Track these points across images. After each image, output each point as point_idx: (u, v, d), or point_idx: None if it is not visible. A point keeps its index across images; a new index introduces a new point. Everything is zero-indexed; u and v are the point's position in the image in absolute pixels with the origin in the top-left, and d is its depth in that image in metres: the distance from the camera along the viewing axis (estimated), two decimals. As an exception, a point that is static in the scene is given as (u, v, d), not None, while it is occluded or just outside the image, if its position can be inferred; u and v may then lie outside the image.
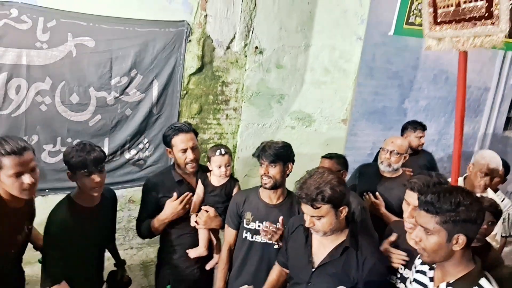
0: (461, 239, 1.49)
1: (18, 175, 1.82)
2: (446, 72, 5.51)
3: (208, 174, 2.56)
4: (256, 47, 3.45)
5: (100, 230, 2.28)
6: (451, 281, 1.56)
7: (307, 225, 1.84)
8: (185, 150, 2.38)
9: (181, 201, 2.41)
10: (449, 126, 5.96)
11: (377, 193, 2.86)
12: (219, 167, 2.45)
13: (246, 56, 3.46)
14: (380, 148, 2.98)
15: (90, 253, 2.25)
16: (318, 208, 1.76)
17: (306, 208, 1.80)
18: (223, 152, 2.44)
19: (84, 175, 2.05)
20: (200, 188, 2.53)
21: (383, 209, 2.81)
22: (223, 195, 2.53)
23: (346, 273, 1.84)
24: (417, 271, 1.79)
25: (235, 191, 2.56)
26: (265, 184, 2.29)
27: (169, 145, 2.44)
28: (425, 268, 1.72)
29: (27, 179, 1.84)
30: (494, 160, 2.90)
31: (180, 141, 2.38)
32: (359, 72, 3.99)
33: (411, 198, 1.94)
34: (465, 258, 1.55)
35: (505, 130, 7.02)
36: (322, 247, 1.91)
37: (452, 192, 1.51)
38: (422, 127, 3.73)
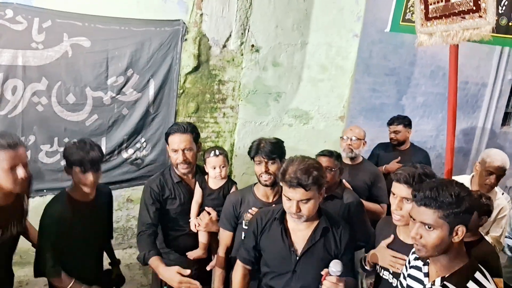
0: (461, 230, 1.49)
1: (12, 168, 1.84)
2: (443, 68, 5.52)
3: (206, 177, 2.55)
4: (252, 45, 3.45)
5: (96, 224, 2.28)
6: (446, 276, 1.56)
7: (293, 211, 1.84)
8: (176, 151, 2.37)
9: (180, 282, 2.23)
10: (446, 122, 5.96)
11: (343, 180, 2.93)
12: (214, 168, 2.46)
13: (242, 55, 3.46)
14: (340, 138, 3.19)
15: (86, 248, 2.25)
16: (309, 190, 1.80)
17: (295, 193, 1.81)
18: (217, 153, 2.45)
19: (79, 172, 2.08)
20: (198, 192, 2.52)
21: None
22: (221, 198, 2.51)
23: (328, 253, 1.91)
24: (411, 267, 1.79)
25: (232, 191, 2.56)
26: (266, 181, 2.28)
27: (166, 142, 2.45)
28: (419, 263, 1.72)
29: (21, 172, 1.87)
30: (499, 158, 2.87)
31: (173, 141, 2.38)
32: (356, 69, 3.99)
33: (397, 189, 1.95)
34: (459, 252, 1.56)
35: (503, 126, 7.03)
36: (300, 235, 1.94)
37: (447, 184, 1.51)
38: (398, 121, 3.82)
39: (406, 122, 3.85)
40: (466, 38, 2.02)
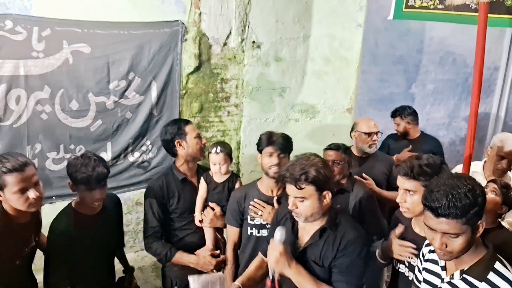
0: (482, 225, 1.46)
1: (22, 191, 1.85)
2: (453, 54, 5.39)
3: (210, 172, 2.57)
4: (253, 42, 3.41)
5: (104, 237, 2.28)
6: (465, 268, 1.51)
7: (290, 207, 1.81)
8: (199, 136, 2.52)
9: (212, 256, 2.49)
10: (459, 108, 5.84)
11: (363, 174, 3.02)
12: (214, 164, 2.50)
13: (243, 51, 3.42)
14: (356, 132, 3.18)
15: (96, 260, 2.26)
16: (301, 188, 1.74)
17: (290, 189, 1.79)
18: (218, 150, 2.48)
19: (85, 189, 2.09)
20: (203, 187, 2.54)
21: (375, 187, 3.00)
22: (226, 191, 2.55)
23: (325, 256, 1.81)
24: (426, 260, 1.74)
25: (237, 186, 2.56)
26: (275, 173, 2.27)
27: (181, 136, 2.47)
28: (436, 256, 1.65)
29: (32, 194, 1.88)
30: (510, 142, 2.80)
31: (192, 128, 2.53)
32: (362, 60, 3.92)
33: (399, 182, 1.95)
34: (477, 243, 1.51)
35: (518, 110, 6.84)
36: (305, 233, 1.89)
37: (459, 185, 1.42)
38: (396, 113, 3.91)
39: (403, 113, 3.86)
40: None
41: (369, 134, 3.11)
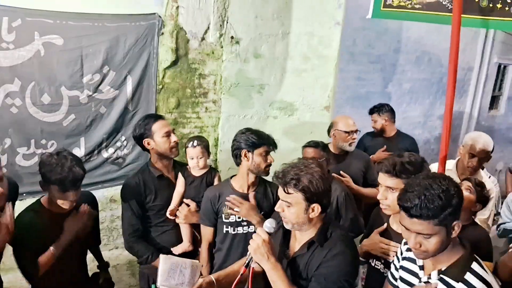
0: (458, 225, 1.46)
1: None
2: (428, 54, 5.50)
3: (187, 166, 2.55)
4: (232, 37, 3.38)
5: (76, 236, 2.19)
6: (443, 269, 1.51)
7: (276, 208, 1.76)
8: (168, 134, 2.42)
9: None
10: (434, 107, 5.96)
11: (341, 171, 3.05)
12: (192, 158, 2.49)
13: (222, 47, 3.39)
14: (336, 130, 3.20)
15: (67, 257, 2.17)
16: (289, 193, 1.68)
17: (280, 190, 1.73)
18: (194, 144, 2.47)
19: (58, 190, 1.99)
20: (180, 181, 2.52)
21: (352, 184, 3.03)
22: (204, 185, 2.53)
23: (310, 268, 1.73)
24: (403, 258, 1.74)
25: (215, 181, 2.54)
26: (268, 171, 2.31)
27: (148, 134, 2.42)
28: (413, 255, 1.65)
29: None
30: (481, 141, 2.87)
31: (161, 125, 2.43)
32: (340, 58, 3.94)
33: (381, 179, 1.95)
34: (454, 243, 1.51)
35: (490, 110, 7.04)
36: (296, 242, 1.83)
37: (432, 185, 1.42)
38: (373, 110, 3.97)
39: (381, 110, 3.93)
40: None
41: (348, 133, 3.12)
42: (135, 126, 2.50)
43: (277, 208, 1.76)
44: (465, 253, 1.51)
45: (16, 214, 2.14)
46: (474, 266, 1.47)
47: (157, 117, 2.51)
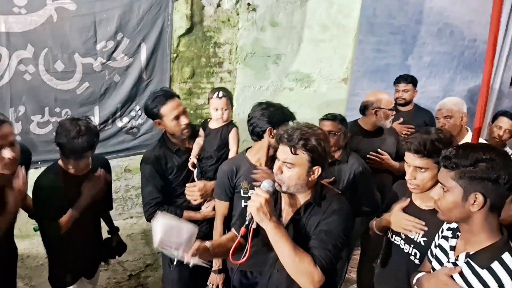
0: (479, 199, 1.35)
1: None
2: (451, 26, 5.28)
3: (208, 120, 2.54)
4: (249, 4, 3.26)
5: (93, 199, 2.22)
6: (471, 252, 1.43)
7: (274, 170, 1.71)
8: (177, 117, 2.32)
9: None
10: (454, 82, 5.79)
11: (378, 149, 3.00)
12: (216, 109, 2.43)
13: (238, 14, 3.27)
14: (377, 109, 3.01)
15: (82, 220, 2.20)
16: (296, 154, 1.64)
17: (282, 151, 1.68)
18: (220, 95, 2.41)
19: (61, 155, 2.06)
20: (201, 134, 2.50)
21: (392, 162, 3.00)
22: (218, 138, 2.48)
23: (308, 229, 1.72)
24: (442, 236, 1.67)
25: (231, 134, 2.49)
26: None
27: (158, 116, 2.35)
28: (449, 234, 1.60)
29: (7, 153, 1.79)
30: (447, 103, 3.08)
31: (170, 108, 2.32)
32: (359, 29, 3.79)
33: (409, 158, 1.87)
34: (488, 226, 1.40)
35: (511, 85, 6.82)
36: (289, 208, 1.80)
37: (474, 147, 1.39)
38: (405, 80, 3.83)
39: (407, 80, 3.82)
40: None
41: (391, 109, 3.04)
42: (145, 104, 2.40)
43: (275, 171, 1.71)
44: (500, 240, 1.40)
45: (30, 184, 2.17)
46: (505, 256, 1.36)
47: (166, 97, 2.34)
